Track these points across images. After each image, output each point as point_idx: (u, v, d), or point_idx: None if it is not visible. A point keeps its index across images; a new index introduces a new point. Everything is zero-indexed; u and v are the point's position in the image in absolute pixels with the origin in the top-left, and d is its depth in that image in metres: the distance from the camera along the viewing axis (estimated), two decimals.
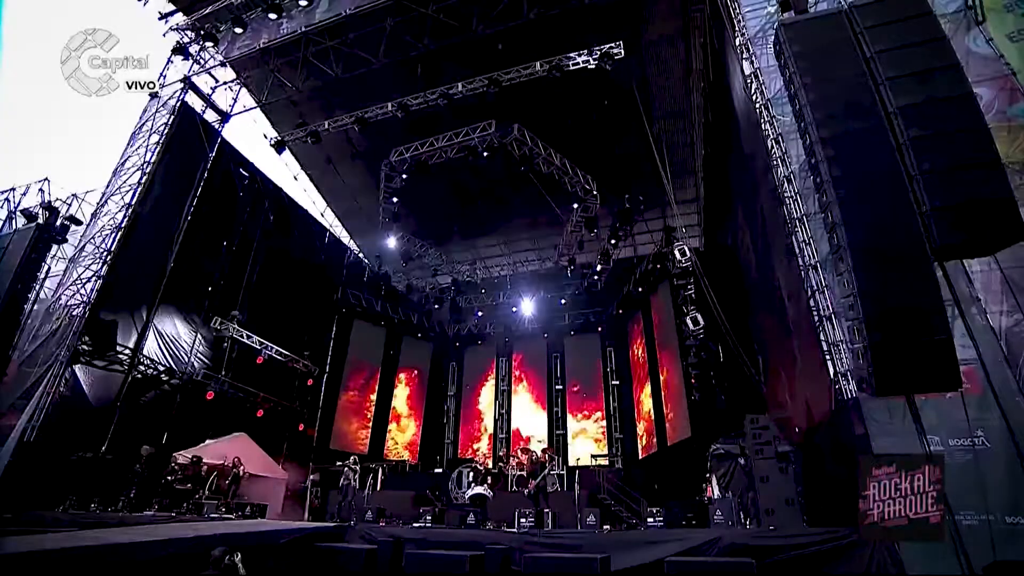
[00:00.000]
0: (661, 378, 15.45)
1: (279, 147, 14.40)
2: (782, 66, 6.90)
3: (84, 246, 11.63)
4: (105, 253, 11.25)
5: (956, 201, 5.26)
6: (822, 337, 6.61)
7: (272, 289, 15.50)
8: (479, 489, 10.69)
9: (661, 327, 15.78)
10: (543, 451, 14.11)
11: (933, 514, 4.09)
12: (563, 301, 19.22)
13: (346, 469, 10.45)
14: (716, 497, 8.00)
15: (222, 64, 13.97)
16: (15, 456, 9.09)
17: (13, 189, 13.27)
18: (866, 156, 5.73)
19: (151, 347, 12.08)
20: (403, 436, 19.19)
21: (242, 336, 14.33)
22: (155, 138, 12.47)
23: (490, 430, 19.30)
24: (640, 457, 16.08)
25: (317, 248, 17.71)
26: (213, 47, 13.62)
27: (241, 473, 10.77)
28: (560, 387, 19.17)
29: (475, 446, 19.20)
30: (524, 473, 12.14)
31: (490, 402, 19.87)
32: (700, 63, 12.36)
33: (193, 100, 13.65)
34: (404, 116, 13.11)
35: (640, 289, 16.84)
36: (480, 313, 20.28)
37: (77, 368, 10.36)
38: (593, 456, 16.37)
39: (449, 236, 18.73)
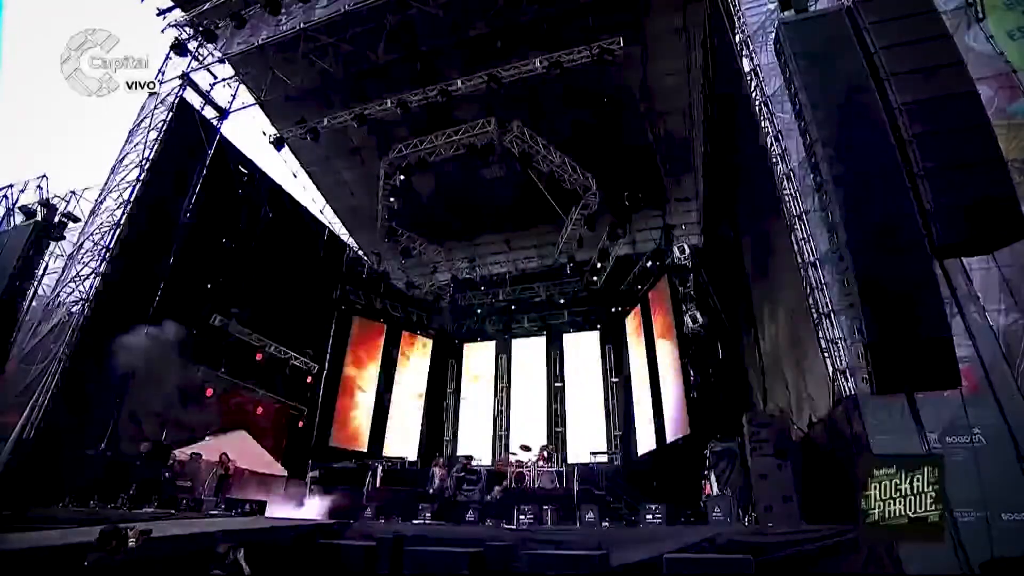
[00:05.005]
0: (660, 375, 15.47)
1: (278, 144, 14.37)
2: (782, 65, 6.91)
3: (83, 243, 11.60)
4: (104, 250, 11.23)
5: (958, 199, 5.27)
6: (821, 334, 6.63)
7: (271, 286, 15.46)
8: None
9: (660, 324, 15.80)
10: (542, 448, 14.16)
11: (932, 514, 4.11)
12: (562, 299, 19.23)
13: (436, 469, 10.55)
14: (715, 494, 8.02)
15: (221, 61, 13.90)
16: (14, 453, 9.10)
17: (11, 186, 13.21)
18: (866, 155, 5.74)
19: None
20: (402, 434, 19.20)
21: (241, 333, 14.32)
22: (153, 135, 12.41)
23: (489, 428, 19.33)
24: (639, 454, 16.11)
25: (316, 245, 17.67)
26: (212, 44, 13.57)
27: (230, 470, 10.72)
28: (560, 384, 19.20)
29: (474, 443, 19.23)
30: (523, 470, 12.19)
31: (489, 400, 19.89)
32: (700, 59, 12.35)
33: (192, 97, 13.59)
34: (403, 113, 13.09)
35: (639, 286, 16.84)
36: (479, 311, 20.28)
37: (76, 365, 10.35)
38: (592, 453, 16.39)
39: (448, 233, 18.70)
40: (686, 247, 13.50)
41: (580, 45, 11.48)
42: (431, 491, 10.22)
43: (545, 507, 7.81)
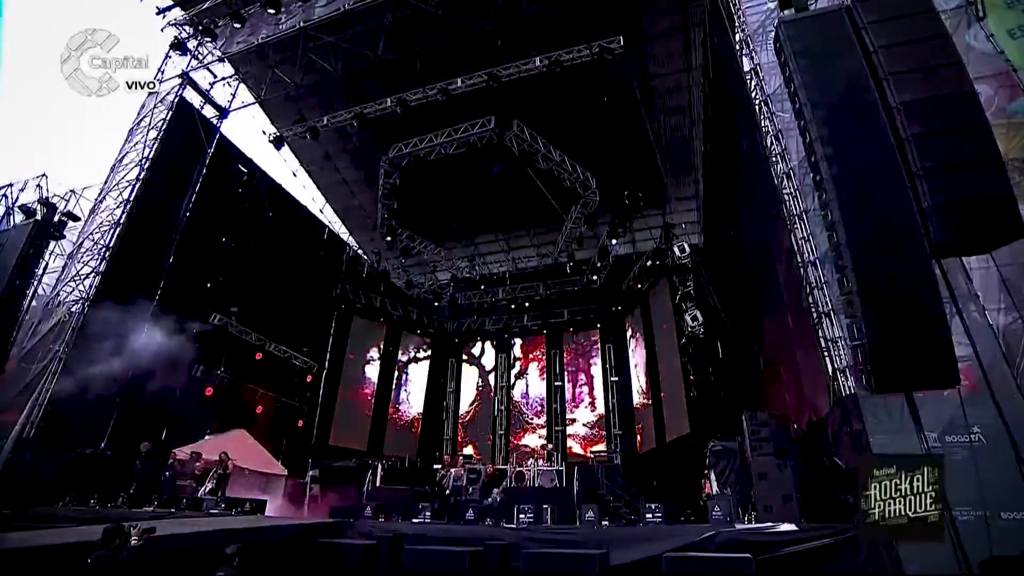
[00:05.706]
0: (660, 374, 15.48)
1: (278, 143, 14.33)
2: (782, 64, 6.91)
3: (82, 242, 11.60)
4: (103, 249, 11.23)
5: (957, 198, 5.27)
6: (821, 334, 6.63)
7: (271, 285, 15.46)
8: None
9: (660, 323, 15.80)
10: (541, 447, 14.18)
11: (932, 513, 4.11)
12: (562, 298, 19.24)
13: (452, 470, 10.49)
14: (714, 493, 8.03)
15: (220, 60, 13.89)
16: (14, 453, 9.09)
17: (11, 185, 13.18)
18: (865, 154, 5.74)
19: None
20: (402, 433, 19.21)
21: (241, 332, 14.32)
22: (153, 134, 12.40)
23: (489, 427, 19.34)
24: (639, 453, 16.12)
25: (316, 245, 17.67)
26: (211, 43, 13.56)
27: (229, 469, 10.70)
28: (559, 384, 19.22)
29: (475, 443, 19.26)
30: (523, 470, 12.19)
31: (489, 399, 19.90)
32: (700, 59, 12.34)
33: (192, 96, 13.57)
34: (403, 112, 13.06)
35: (639, 286, 16.85)
36: (479, 310, 20.28)
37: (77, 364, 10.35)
38: (592, 452, 16.42)
39: (448, 233, 18.68)
40: (686, 246, 13.48)
41: (580, 44, 11.45)
42: (447, 491, 10.26)
43: (545, 506, 7.82)
